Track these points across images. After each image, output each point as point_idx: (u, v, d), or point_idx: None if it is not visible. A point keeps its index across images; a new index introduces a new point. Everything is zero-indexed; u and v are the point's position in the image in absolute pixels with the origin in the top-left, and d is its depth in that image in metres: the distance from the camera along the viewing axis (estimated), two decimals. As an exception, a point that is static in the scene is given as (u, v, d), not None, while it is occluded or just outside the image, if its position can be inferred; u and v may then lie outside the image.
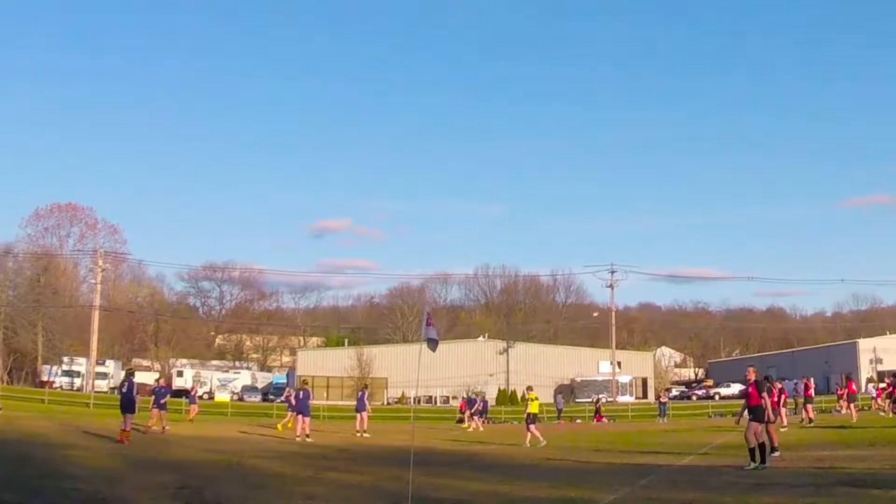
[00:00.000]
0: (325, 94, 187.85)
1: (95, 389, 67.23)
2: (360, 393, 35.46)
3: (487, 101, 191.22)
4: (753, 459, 16.36)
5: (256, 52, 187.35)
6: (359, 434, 32.53)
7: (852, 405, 36.02)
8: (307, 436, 28.69)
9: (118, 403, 25.26)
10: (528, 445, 26.79)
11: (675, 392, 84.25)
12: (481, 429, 41.35)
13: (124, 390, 24.51)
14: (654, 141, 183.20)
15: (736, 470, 16.20)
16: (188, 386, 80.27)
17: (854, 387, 37.81)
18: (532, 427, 28.07)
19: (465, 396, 49.67)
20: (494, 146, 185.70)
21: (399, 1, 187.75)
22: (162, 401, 30.80)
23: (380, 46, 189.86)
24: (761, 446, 16.57)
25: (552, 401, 61.98)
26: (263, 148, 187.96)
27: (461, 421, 56.63)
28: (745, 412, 17.03)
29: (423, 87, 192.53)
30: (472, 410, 43.51)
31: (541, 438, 27.60)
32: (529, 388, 31.16)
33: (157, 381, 33.52)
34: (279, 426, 35.56)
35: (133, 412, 24.12)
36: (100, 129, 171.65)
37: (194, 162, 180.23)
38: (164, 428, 30.06)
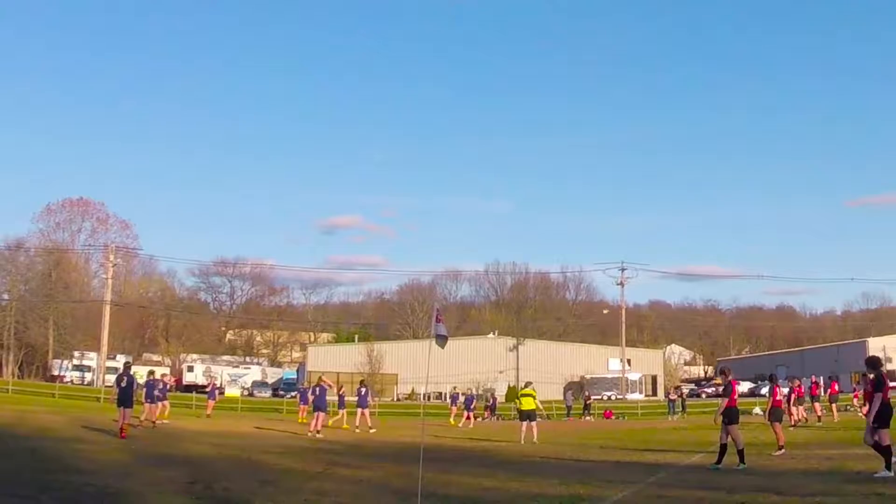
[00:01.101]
0: (334, 91, 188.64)
1: (106, 384, 67.47)
2: (360, 389, 35.33)
3: (498, 98, 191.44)
4: (742, 461, 16.40)
5: (266, 49, 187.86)
6: (357, 430, 32.49)
7: (834, 405, 36.07)
8: (318, 432, 28.73)
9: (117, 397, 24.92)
10: (523, 442, 26.57)
11: (684, 390, 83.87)
12: (471, 425, 40.82)
13: (123, 384, 24.13)
14: (665, 139, 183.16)
15: (744, 468, 16.19)
16: (198, 381, 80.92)
17: (837, 388, 37.65)
18: (525, 423, 27.66)
19: (452, 392, 48.19)
20: (505, 143, 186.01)
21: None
22: (154, 393, 30.62)
23: (389, 44, 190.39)
24: (722, 448, 16.66)
25: (562, 398, 62.02)
26: (274, 145, 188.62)
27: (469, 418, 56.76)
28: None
29: (433, 85, 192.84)
30: (458, 405, 43.02)
31: (521, 437, 27.10)
32: (527, 384, 30.46)
33: (151, 374, 33.21)
34: (345, 425, 35.77)
35: (131, 406, 23.93)
36: (111, 125, 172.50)
37: (205, 158, 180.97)
38: (153, 422, 29.64)
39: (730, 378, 17.58)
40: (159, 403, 31.24)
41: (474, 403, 45.14)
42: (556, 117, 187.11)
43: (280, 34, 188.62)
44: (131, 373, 24.68)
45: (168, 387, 36.54)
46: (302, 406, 38.41)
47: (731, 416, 16.75)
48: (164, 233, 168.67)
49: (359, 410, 33.91)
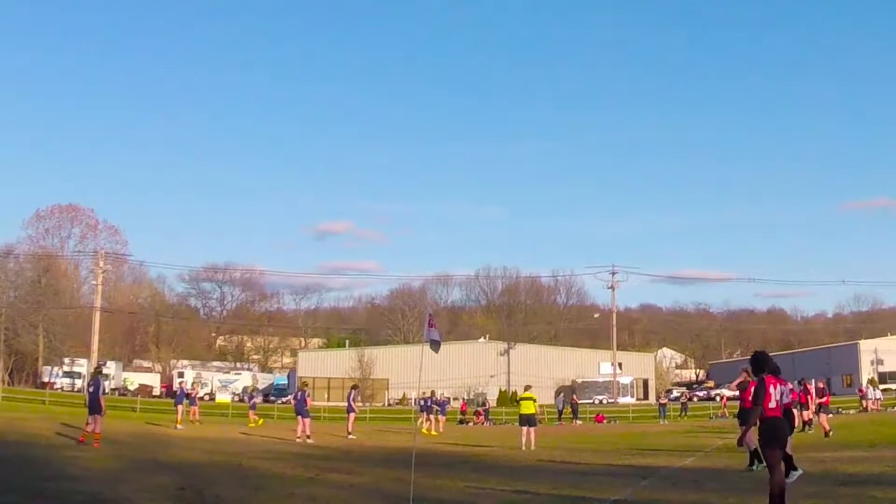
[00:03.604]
0: (326, 95, 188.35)
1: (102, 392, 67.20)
2: (348, 393, 35.54)
3: (489, 102, 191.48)
4: (751, 462, 16.37)
5: (258, 53, 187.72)
6: (349, 436, 32.35)
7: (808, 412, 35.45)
8: (308, 437, 28.72)
9: (109, 404, 23.79)
10: (524, 448, 25.92)
11: (675, 393, 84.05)
12: (441, 429, 40.47)
13: (91, 390, 23.30)
14: (656, 142, 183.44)
15: (738, 472, 16.19)
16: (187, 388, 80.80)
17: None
18: (525, 428, 26.66)
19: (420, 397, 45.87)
20: (496, 148, 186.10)
21: (401, 2, 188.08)
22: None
23: (382, 48, 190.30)
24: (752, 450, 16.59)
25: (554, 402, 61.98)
26: (265, 149, 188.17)
27: (463, 422, 56.62)
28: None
29: (425, 89, 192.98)
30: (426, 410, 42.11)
31: (521, 443, 26.28)
32: (527, 388, 30.01)
33: (97, 371, 32.56)
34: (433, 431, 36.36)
35: (101, 413, 22.82)
36: (101, 130, 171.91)
37: (195, 163, 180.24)
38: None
39: (747, 378, 17.29)
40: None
41: (446, 407, 44.91)
42: (546, 122, 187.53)
43: (272, 39, 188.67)
44: (100, 379, 24.12)
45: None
46: (251, 411, 41.05)
47: (745, 417, 16.68)
48: (154, 239, 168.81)
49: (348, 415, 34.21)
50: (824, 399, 31.38)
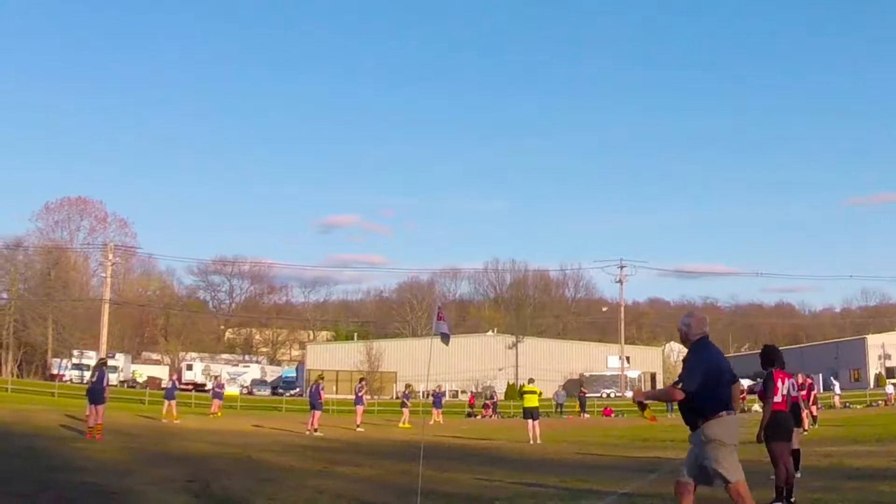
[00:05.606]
0: (333, 90, 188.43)
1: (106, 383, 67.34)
2: (357, 386, 35.85)
3: (495, 97, 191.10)
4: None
5: (266, 47, 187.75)
6: (358, 429, 32.41)
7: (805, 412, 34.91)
8: (315, 430, 28.84)
9: (117, 396, 23.71)
10: (532, 442, 25.96)
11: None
12: (440, 422, 41.18)
13: (94, 381, 23.21)
14: (664, 136, 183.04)
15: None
16: (197, 380, 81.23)
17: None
18: (530, 422, 26.71)
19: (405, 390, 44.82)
20: (504, 141, 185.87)
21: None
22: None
23: (387, 43, 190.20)
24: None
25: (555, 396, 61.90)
26: (273, 143, 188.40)
27: (471, 415, 56.73)
28: None
29: (431, 84, 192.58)
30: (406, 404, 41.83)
31: (529, 436, 26.28)
32: (531, 381, 29.43)
33: (102, 363, 32.46)
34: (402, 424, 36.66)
35: (103, 403, 22.75)
36: (110, 123, 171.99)
37: (204, 156, 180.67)
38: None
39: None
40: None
41: (442, 400, 45.22)
42: (554, 116, 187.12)
43: (279, 33, 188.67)
44: (104, 370, 23.88)
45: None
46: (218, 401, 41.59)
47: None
48: (163, 231, 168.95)
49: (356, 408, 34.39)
50: (803, 394, 31.16)
